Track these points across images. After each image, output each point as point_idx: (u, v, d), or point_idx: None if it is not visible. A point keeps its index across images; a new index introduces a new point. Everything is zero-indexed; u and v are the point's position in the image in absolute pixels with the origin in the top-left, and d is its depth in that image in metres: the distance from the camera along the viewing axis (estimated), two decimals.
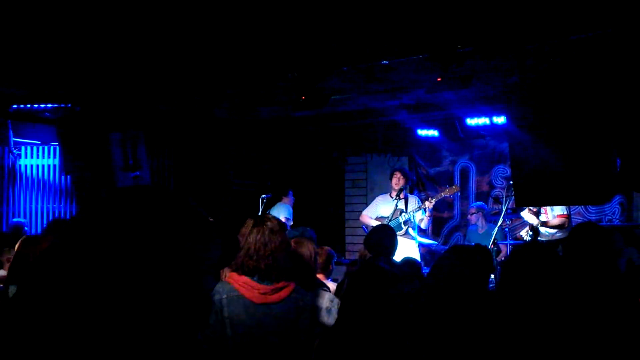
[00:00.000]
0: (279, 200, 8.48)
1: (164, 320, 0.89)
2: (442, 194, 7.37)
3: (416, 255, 6.99)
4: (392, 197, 7.24)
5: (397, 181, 7.22)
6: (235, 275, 3.00)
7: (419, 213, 7.16)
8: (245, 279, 2.96)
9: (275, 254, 2.99)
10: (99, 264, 0.86)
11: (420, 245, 7.38)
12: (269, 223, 3.07)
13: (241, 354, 2.88)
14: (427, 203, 7.13)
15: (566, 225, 6.21)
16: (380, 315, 2.26)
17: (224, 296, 2.89)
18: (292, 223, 7.84)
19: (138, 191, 0.96)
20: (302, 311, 3.00)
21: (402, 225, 7.05)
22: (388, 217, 7.11)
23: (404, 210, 7.15)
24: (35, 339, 0.83)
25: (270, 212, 7.70)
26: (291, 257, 3.11)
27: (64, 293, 0.85)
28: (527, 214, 6.69)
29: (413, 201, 7.28)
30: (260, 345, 2.91)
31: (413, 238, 7.17)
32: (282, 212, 8.09)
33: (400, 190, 7.17)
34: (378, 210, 7.35)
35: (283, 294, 2.96)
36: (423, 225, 7.31)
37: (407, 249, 6.82)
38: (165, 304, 0.89)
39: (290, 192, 8.64)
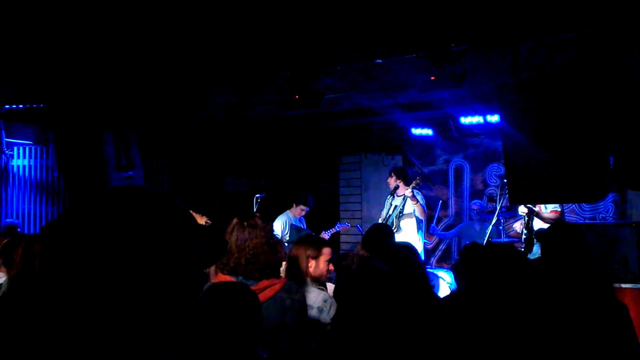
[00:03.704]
0: (290, 206, 7.52)
1: (149, 317, 0.89)
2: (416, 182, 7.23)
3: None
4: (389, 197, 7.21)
5: (393, 181, 7.21)
6: (221, 276, 2.98)
7: (408, 204, 7.06)
8: (230, 279, 2.92)
9: (257, 250, 2.96)
10: (84, 265, 0.86)
11: None
12: (250, 220, 3.06)
13: None
14: (413, 184, 7.04)
15: None
16: (378, 317, 2.25)
17: None
18: (287, 239, 6.99)
19: (122, 192, 0.96)
20: (288, 310, 2.94)
21: (395, 220, 6.99)
22: (384, 216, 7.10)
23: (398, 206, 7.10)
24: (25, 338, 0.83)
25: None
26: (275, 253, 3.07)
27: (52, 293, 0.85)
28: (521, 207, 6.71)
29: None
30: None
31: (419, 236, 7.09)
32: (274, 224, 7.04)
33: (395, 189, 7.14)
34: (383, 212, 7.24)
35: (268, 293, 2.91)
36: (418, 213, 7.14)
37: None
38: (149, 302, 0.88)
39: (309, 201, 7.45)
